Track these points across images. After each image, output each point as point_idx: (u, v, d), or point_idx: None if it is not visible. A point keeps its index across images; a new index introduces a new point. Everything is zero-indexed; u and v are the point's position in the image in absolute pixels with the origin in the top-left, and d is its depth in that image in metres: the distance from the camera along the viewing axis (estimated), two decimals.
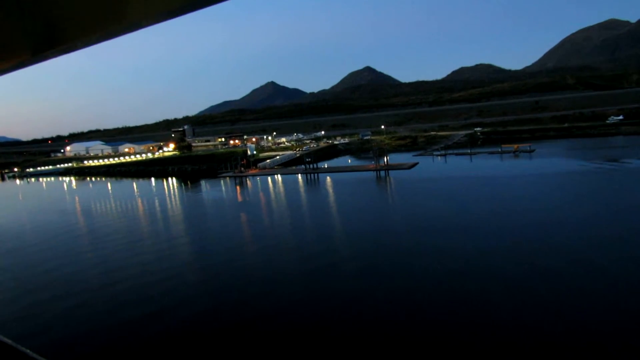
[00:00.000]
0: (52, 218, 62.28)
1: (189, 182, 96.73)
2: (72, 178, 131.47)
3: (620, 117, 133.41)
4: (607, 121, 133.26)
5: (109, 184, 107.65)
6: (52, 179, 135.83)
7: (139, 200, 73.74)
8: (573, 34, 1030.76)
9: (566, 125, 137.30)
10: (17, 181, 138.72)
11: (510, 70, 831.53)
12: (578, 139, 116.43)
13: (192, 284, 30.52)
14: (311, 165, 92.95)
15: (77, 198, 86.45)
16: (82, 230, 53.10)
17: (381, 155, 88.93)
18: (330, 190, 68.49)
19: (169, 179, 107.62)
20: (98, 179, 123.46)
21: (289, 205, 58.07)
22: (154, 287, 30.05)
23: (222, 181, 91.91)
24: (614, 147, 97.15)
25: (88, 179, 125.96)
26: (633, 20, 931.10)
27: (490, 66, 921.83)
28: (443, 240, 34.97)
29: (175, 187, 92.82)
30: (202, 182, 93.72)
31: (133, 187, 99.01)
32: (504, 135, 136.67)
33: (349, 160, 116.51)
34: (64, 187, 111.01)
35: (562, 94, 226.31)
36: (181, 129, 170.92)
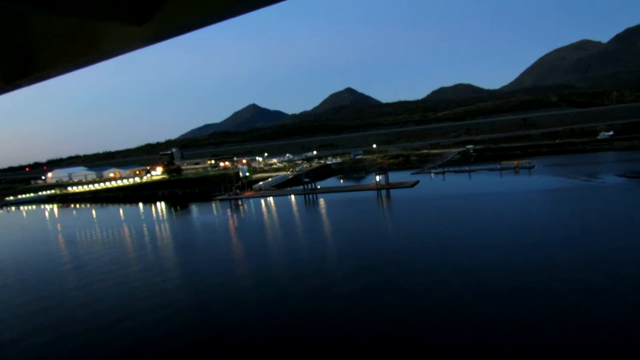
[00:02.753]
0: (35, 249, 57.84)
1: (180, 207, 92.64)
2: (55, 206, 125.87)
3: (611, 133, 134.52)
4: (598, 137, 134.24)
5: (93, 211, 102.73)
6: (34, 207, 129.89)
7: (139, 226, 69.53)
8: (547, 54, 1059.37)
9: (558, 141, 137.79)
10: None
11: (488, 90, 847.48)
12: (572, 155, 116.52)
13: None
14: (309, 186, 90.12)
15: (59, 226, 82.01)
16: (66, 260, 49.65)
17: (381, 174, 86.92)
18: (337, 211, 65.17)
19: (159, 203, 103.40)
20: (83, 205, 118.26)
21: (301, 230, 54.77)
22: (143, 316, 28.06)
23: (217, 204, 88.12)
24: (611, 162, 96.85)
25: (72, 206, 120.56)
26: (604, 41, 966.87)
27: (469, 86, 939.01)
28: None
29: (170, 211, 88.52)
30: (197, 206, 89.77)
31: (127, 213, 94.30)
32: (496, 152, 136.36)
33: (341, 181, 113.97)
34: (46, 216, 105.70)
35: (547, 111, 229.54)
36: (169, 152, 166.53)
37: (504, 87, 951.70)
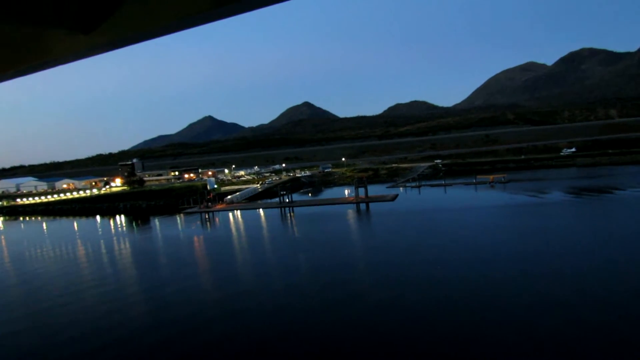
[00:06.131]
0: None
1: (143, 220, 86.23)
2: (2, 219, 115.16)
3: (573, 150, 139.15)
4: (562, 153, 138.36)
5: (44, 224, 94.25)
6: None
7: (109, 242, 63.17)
8: (497, 75, 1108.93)
9: (523, 157, 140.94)
10: None
11: (443, 107, 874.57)
12: (539, 170, 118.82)
13: None
14: (286, 199, 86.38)
15: (3, 240, 74.55)
16: (11, 274, 46.96)
17: (360, 187, 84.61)
18: (324, 226, 61.29)
19: (119, 216, 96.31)
20: (34, 218, 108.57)
21: (298, 249, 50.92)
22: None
23: (187, 218, 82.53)
24: (576, 177, 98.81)
25: (22, 219, 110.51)
26: (549, 63, 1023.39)
27: (424, 103, 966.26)
28: None
29: (132, 225, 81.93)
30: (165, 220, 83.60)
31: (92, 226, 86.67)
32: (465, 167, 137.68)
33: (309, 195, 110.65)
34: None
35: (506, 128, 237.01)
36: (130, 163, 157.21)
37: (457, 104, 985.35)
